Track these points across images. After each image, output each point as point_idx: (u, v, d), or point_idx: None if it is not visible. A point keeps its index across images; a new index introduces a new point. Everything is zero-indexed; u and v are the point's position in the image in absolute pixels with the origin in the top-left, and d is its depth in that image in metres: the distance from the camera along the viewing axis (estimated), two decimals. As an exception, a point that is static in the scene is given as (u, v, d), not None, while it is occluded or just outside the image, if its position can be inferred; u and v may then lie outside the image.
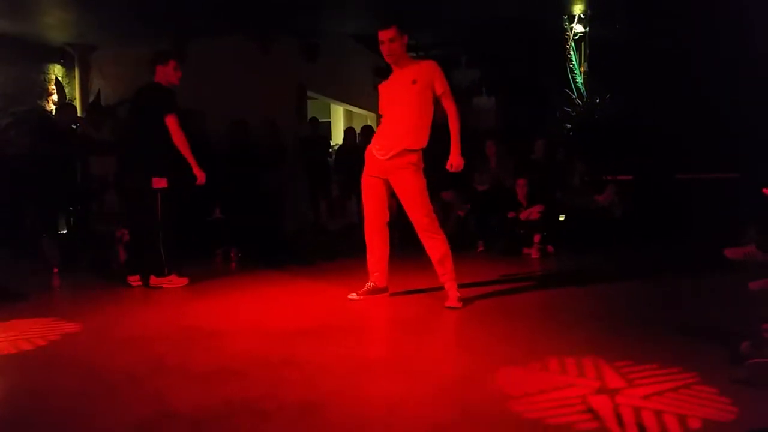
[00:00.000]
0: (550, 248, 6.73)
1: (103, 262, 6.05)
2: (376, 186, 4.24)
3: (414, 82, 4.05)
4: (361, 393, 2.58)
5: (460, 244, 7.14)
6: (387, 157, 4.12)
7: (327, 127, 11.15)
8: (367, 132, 9.14)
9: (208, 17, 8.18)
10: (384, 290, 4.40)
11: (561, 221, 7.26)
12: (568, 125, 9.11)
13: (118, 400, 2.56)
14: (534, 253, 6.57)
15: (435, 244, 4.14)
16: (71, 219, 7.19)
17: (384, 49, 4.08)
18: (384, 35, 4.04)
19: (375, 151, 4.19)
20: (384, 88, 4.27)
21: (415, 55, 4.27)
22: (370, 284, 4.38)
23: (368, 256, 4.38)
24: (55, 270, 5.75)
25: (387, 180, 4.20)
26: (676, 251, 6.39)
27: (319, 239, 8.14)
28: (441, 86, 4.09)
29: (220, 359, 3.05)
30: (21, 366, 3.15)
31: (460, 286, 4.26)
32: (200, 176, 4.85)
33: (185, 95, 8.44)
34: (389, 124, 4.18)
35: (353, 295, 4.35)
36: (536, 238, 6.64)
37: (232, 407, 2.42)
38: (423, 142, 4.15)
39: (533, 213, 6.76)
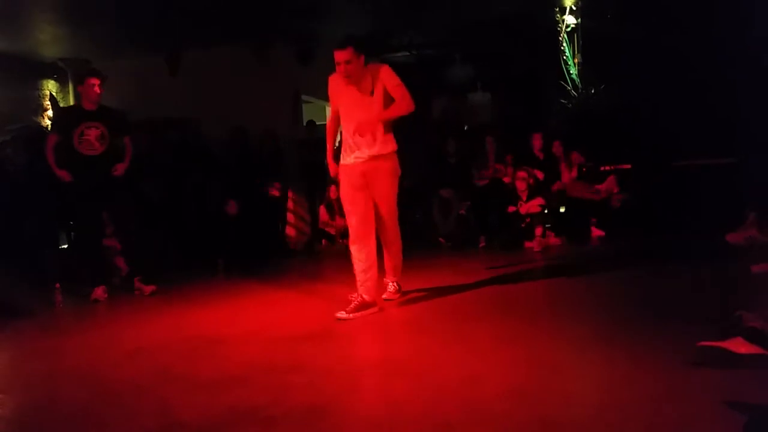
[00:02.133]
0: (552, 241, 6.73)
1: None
2: (363, 197, 4.11)
3: (372, 93, 4.04)
4: (366, 395, 2.58)
5: (461, 241, 7.19)
6: (368, 156, 4.06)
7: (323, 130, 11.15)
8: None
9: (201, 26, 8.19)
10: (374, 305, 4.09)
11: (561, 213, 7.25)
12: (565, 117, 9.09)
13: (124, 411, 2.56)
14: (536, 246, 6.56)
15: (396, 250, 4.34)
16: (71, 234, 7.19)
17: (340, 69, 3.96)
18: (340, 56, 3.92)
19: (354, 158, 4.10)
20: (339, 90, 4.11)
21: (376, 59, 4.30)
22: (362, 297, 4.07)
23: (367, 269, 4.07)
24: (58, 285, 5.74)
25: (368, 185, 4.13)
26: (676, 239, 6.38)
27: (319, 242, 8.14)
28: (391, 85, 4.05)
29: (224, 367, 3.05)
30: (27, 379, 3.15)
31: (465, 285, 4.21)
32: (63, 175, 5.03)
33: (182, 104, 8.55)
34: (360, 131, 4.04)
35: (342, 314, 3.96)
36: (537, 231, 6.63)
37: (238, 414, 2.41)
38: (395, 144, 4.23)
39: (533, 206, 6.76)
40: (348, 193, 4.13)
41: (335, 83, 4.17)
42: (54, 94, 9.42)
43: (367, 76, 4.06)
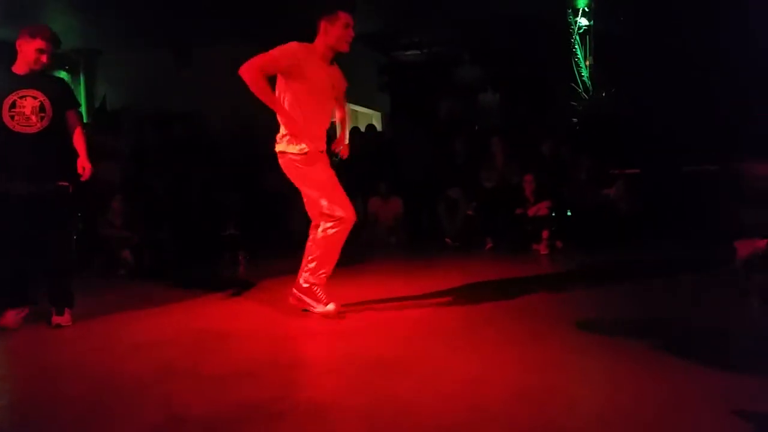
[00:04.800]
0: (559, 244, 6.70)
1: (111, 267, 6.08)
2: None
3: (333, 87, 3.87)
4: (372, 393, 2.57)
5: (468, 242, 7.17)
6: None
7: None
8: (372, 131, 9.13)
9: (210, 21, 8.21)
10: None
11: (569, 216, 7.23)
12: (575, 119, 9.08)
13: (129, 406, 2.55)
14: (543, 249, 6.54)
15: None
16: (78, 224, 7.21)
17: (350, 35, 3.74)
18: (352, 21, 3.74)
19: (320, 143, 3.89)
20: (316, 70, 3.74)
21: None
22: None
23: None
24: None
25: None
26: (684, 245, 6.34)
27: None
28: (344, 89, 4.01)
29: (229, 362, 3.05)
30: (31, 371, 3.15)
31: (471, 287, 4.17)
32: None
33: (190, 98, 8.56)
34: (325, 118, 3.92)
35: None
36: (545, 233, 6.61)
37: (244, 410, 2.41)
38: None
39: (541, 209, 6.73)
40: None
41: (311, 61, 3.72)
42: (65, 84, 9.45)
43: (334, 68, 3.89)
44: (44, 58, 3.85)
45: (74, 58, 9.51)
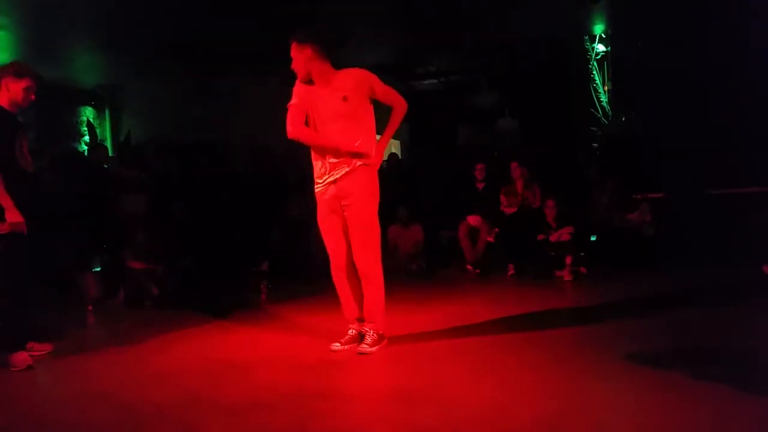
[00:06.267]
0: (583, 270, 6.62)
1: (136, 297, 6.14)
2: (335, 222, 3.82)
3: (345, 98, 3.71)
4: (391, 424, 2.54)
5: (489, 269, 7.12)
6: (335, 178, 3.76)
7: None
8: (393, 159, 9.18)
9: (233, 54, 8.38)
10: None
11: (593, 242, 7.14)
12: (595, 144, 9.05)
13: (149, 436, 2.56)
14: (566, 275, 6.45)
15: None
16: (104, 256, 7.32)
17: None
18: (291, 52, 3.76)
19: (321, 181, 3.82)
20: (311, 102, 3.78)
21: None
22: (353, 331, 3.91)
23: (346, 299, 3.93)
24: (90, 307, 5.83)
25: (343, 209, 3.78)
26: (711, 271, 6.21)
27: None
28: (380, 89, 3.86)
29: (250, 392, 3.04)
30: (54, 401, 3.17)
31: (492, 313, 4.12)
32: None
33: (213, 128, 8.70)
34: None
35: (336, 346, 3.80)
36: (568, 259, 6.52)
37: (263, 440, 2.40)
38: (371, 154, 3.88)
39: (563, 234, 6.67)
40: (324, 221, 3.93)
41: (306, 97, 3.82)
42: (91, 120, 9.68)
43: (337, 80, 3.77)
44: (32, 97, 3.86)
45: (99, 93, 9.76)
